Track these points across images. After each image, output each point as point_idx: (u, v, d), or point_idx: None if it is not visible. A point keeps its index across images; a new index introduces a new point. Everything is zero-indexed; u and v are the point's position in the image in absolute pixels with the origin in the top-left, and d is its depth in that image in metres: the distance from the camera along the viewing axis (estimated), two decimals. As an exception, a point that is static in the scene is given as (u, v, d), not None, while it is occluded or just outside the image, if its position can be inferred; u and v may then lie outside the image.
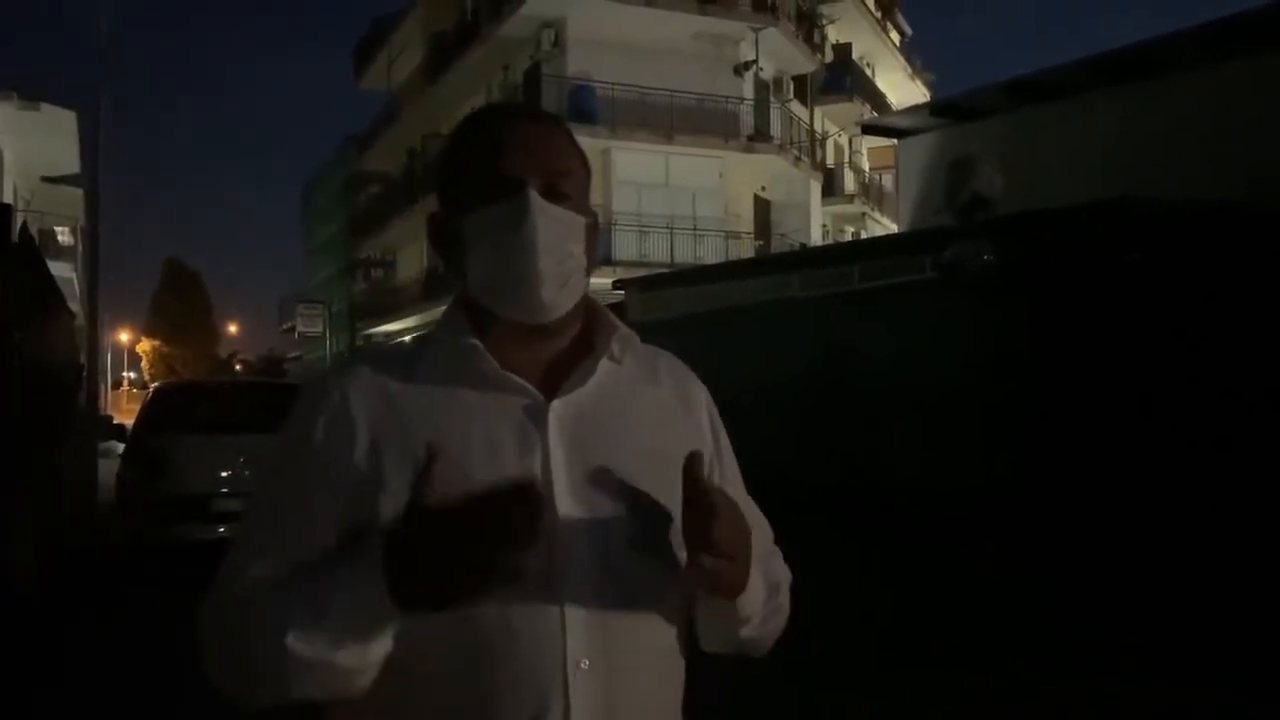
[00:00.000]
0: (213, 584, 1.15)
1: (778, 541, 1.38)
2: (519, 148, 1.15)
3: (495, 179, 1.14)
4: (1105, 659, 5.49)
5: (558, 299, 1.16)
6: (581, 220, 1.18)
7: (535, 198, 1.13)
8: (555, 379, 1.17)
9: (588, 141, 19.76)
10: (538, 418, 1.14)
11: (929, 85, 38.91)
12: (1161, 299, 7.26)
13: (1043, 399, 7.95)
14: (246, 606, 1.07)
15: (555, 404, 1.15)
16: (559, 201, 1.15)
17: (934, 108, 15.26)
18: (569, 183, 1.18)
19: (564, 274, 1.16)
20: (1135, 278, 7.33)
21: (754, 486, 1.37)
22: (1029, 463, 7.94)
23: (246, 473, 8.29)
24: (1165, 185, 8.64)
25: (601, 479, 1.14)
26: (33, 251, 8.65)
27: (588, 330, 1.24)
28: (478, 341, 1.15)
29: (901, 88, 36.34)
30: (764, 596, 1.19)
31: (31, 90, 20.52)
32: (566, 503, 1.11)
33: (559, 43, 22.76)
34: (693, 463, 1.08)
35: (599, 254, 1.30)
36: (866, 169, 33.57)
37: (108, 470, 12.22)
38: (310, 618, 1.02)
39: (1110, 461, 7.30)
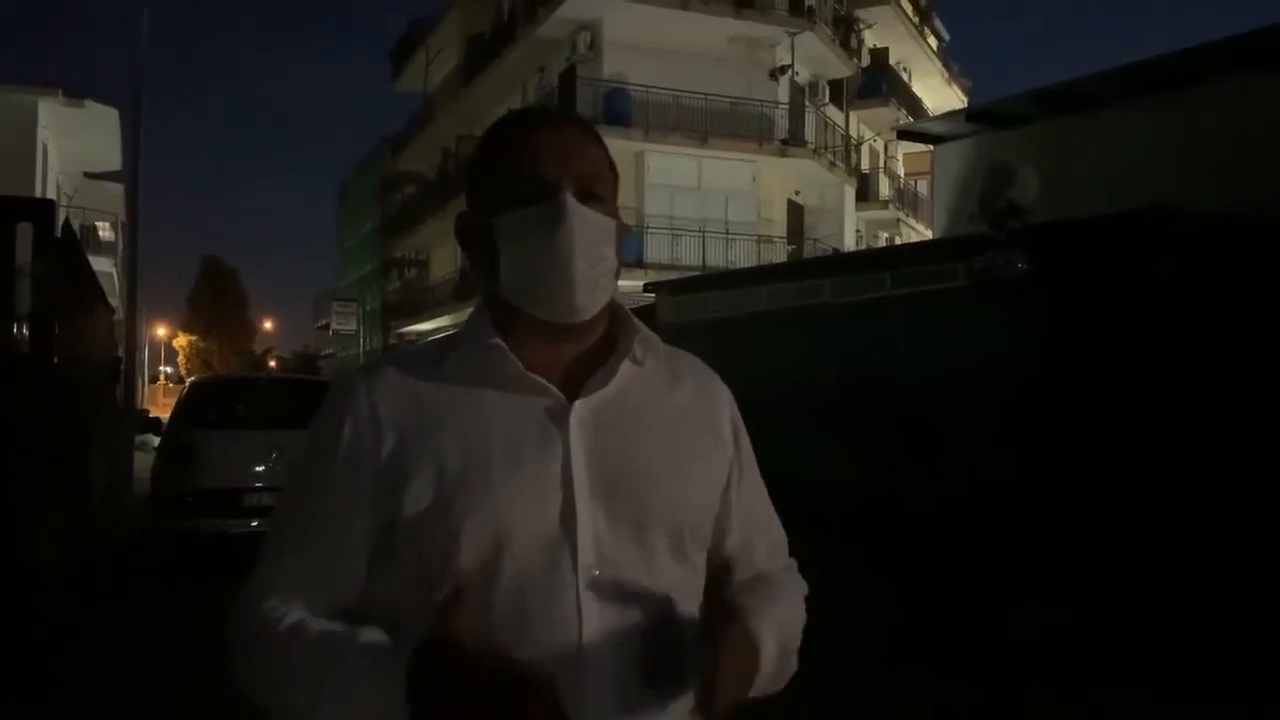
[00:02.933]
0: (247, 583, 1.20)
1: (796, 549, 1.40)
2: (553, 151, 1.18)
3: (530, 181, 1.16)
4: (1137, 674, 5.45)
5: (591, 300, 1.18)
6: (612, 223, 1.20)
7: (572, 201, 1.15)
8: (577, 380, 1.19)
9: (621, 144, 19.82)
10: (559, 418, 1.16)
11: (966, 91, 38.63)
12: (1195, 309, 7.19)
13: (1073, 408, 7.89)
14: (279, 655, 1.12)
15: (577, 405, 1.17)
16: (592, 204, 1.17)
17: (970, 114, 15.17)
18: (601, 186, 1.20)
19: (596, 276, 1.18)
20: (1168, 288, 7.26)
21: (783, 492, 1.38)
22: (1059, 472, 7.88)
23: (279, 467, 8.37)
24: (1198, 195, 8.54)
25: (621, 480, 1.16)
26: (75, 247, 8.78)
27: (610, 332, 1.26)
28: (501, 342, 1.18)
29: (938, 93, 36.10)
30: (773, 669, 1.20)
31: (76, 87, 20.82)
32: (586, 504, 1.13)
33: (594, 45, 22.80)
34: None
35: (630, 256, 1.32)
36: (902, 174, 33.34)
37: (143, 463, 12.39)
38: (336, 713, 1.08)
39: (1142, 473, 7.23)
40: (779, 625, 1.22)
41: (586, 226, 1.16)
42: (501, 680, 1.00)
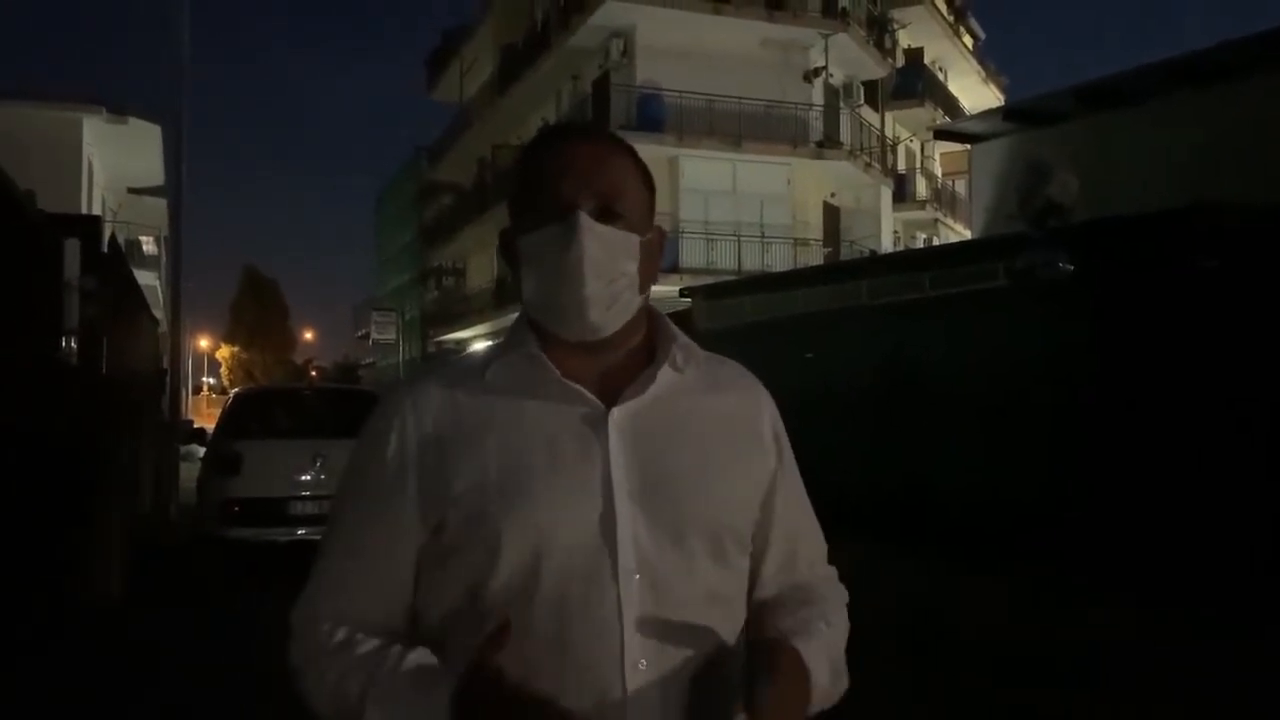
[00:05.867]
0: (304, 592, 1.23)
1: (833, 556, 1.39)
2: (571, 170, 1.19)
3: (548, 201, 1.18)
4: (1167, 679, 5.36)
5: (605, 319, 1.19)
6: (635, 239, 1.21)
7: (584, 220, 1.16)
8: (616, 388, 1.21)
9: (655, 150, 19.81)
10: (598, 425, 1.18)
11: (1003, 89, 38.26)
12: (1241, 307, 7.07)
13: (1117, 409, 7.78)
14: (332, 669, 1.16)
15: (615, 412, 1.19)
16: (612, 221, 1.18)
17: (1007, 112, 15.03)
18: (624, 202, 1.20)
19: (613, 294, 1.18)
20: (1212, 285, 7.15)
21: (819, 495, 1.38)
22: (1103, 477, 7.77)
23: (323, 476, 8.47)
24: (1242, 190, 8.40)
25: (660, 485, 1.17)
26: (120, 261, 8.94)
27: (649, 340, 1.27)
28: (540, 352, 1.20)
29: (974, 92, 35.78)
30: (826, 687, 1.21)
31: (118, 103, 21.10)
32: (626, 509, 1.14)
33: (627, 52, 22.84)
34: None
35: (665, 263, 1.33)
36: (939, 174, 33.10)
37: (188, 473, 12.57)
38: None
39: (1187, 476, 7.12)
40: (828, 646, 1.23)
41: (601, 244, 1.16)
42: (538, 715, 1.05)
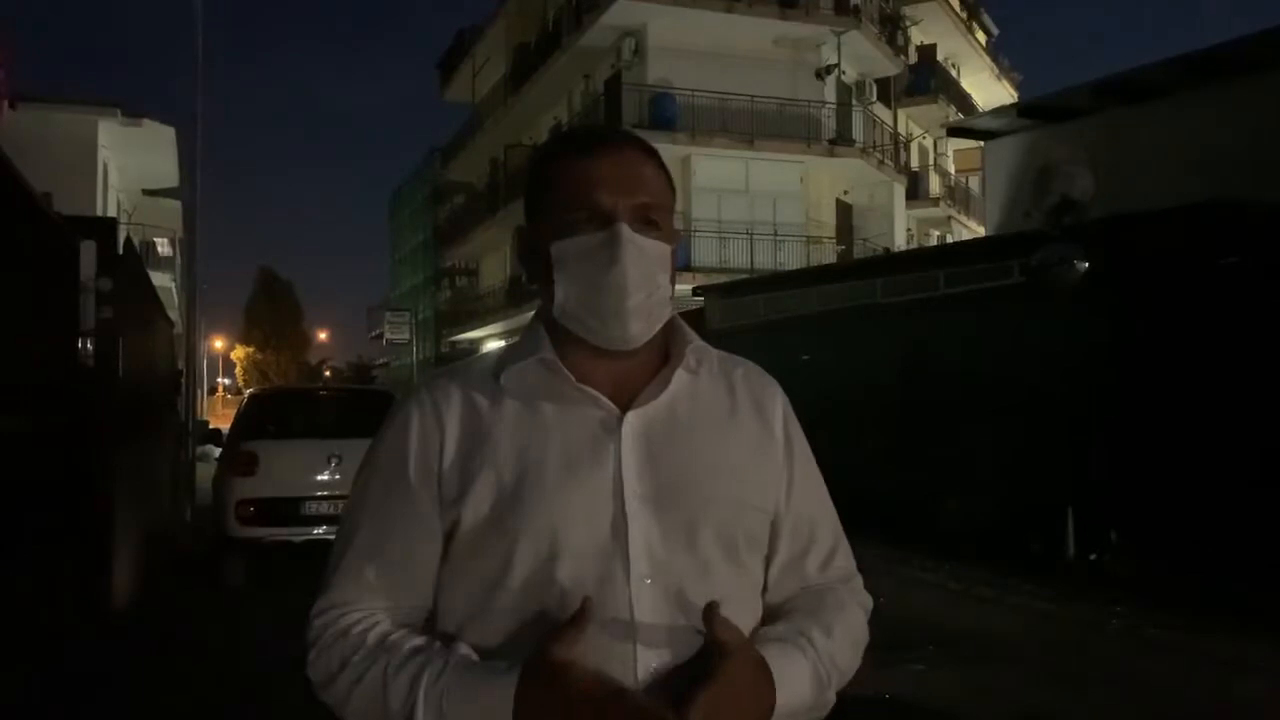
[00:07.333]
0: (323, 593, 1.21)
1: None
2: (612, 178, 1.17)
3: (586, 209, 1.17)
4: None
5: (644, 330, 1.19)
6: (668, 249, 1.20)
7: (627, 232, 1.15)
8: (631, 391, 1.20)
9: (668, 149, 19.76)
10: (612, 429, 1.18)
11: (1016, 85, 38.09)
12: (1259, 304, 7.02)
13: (1135, 408, 7.74)
14: (372, 669, 1.12)
15: (629, 415, 1.18)
16: (648, 231, 1.17)
17: (1021, 109, 14.94)
18: (657, 212, 1.19)
19: (650, 306, 1.18)
20: (1230, 282, 7.10)
21: (836, 497, 1.37)
22: (1121, 477, 7.73)
23: (338, 476, 8.52)
24: (1260, 187, 8.34)
25: (673, 488, 1.16)
26: (136, 263, 8.97)
27: (664, 342, 1.26)
28: (555, 356, 1.19)
29: (988, 88, 35.63)
30: (809, 699, 1.16)
31: (134, 107, 21.21)
32: (638, 512, 1.14)
33: (639, 51, 22.81)
34: (707, 613, 1.09)
35: (678, 262, 1.32)
36: (952, 171, 32.95)
37: (203, 473, 12.63)
38: None
39: (1206, 475, 7.08)
40: (820, 659, 1.18)
41: (642, 257, 1.16)
42: (606, 699, 1.03)
